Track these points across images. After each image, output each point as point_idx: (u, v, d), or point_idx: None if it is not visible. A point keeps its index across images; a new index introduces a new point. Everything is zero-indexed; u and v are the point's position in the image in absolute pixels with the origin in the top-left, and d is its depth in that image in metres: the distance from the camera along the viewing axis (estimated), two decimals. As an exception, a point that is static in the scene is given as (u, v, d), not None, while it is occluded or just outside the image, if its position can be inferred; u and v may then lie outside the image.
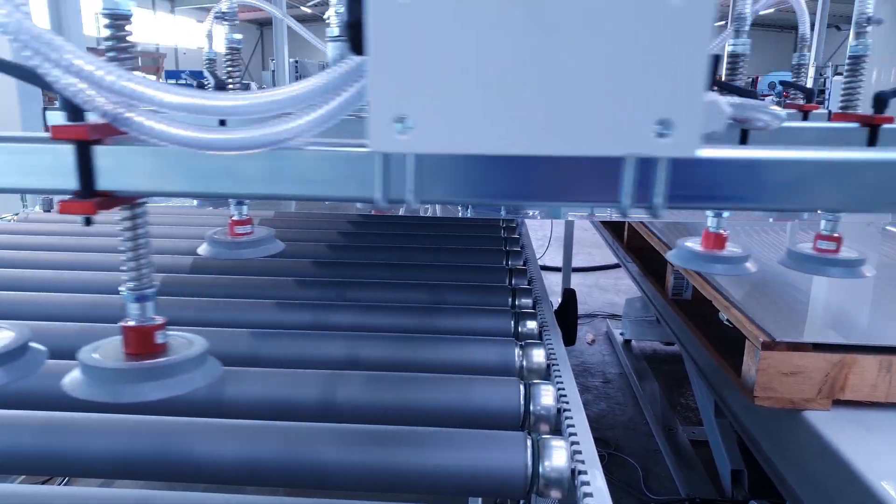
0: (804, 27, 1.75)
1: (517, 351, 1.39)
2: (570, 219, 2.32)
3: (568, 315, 1.97)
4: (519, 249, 2.18)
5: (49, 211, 2.29)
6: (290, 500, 0.92)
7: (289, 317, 1.45)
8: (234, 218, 1.40)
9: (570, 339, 1.99)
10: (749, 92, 1.31)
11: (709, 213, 1.38)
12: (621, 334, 4.42)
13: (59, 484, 1.37)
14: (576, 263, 6.13)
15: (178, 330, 0.89)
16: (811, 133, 1.40)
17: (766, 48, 31.87)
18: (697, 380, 2.30)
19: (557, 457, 0.97)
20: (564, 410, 1.20)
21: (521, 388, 1.21)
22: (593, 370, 4.10)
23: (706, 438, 2.77)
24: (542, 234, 7.13)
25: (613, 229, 3.52)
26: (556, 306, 2.26)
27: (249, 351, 1.27)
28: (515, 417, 1.16)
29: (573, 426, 1.13)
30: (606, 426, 3.46)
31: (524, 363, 1.38)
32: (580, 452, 1.03)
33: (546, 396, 1.19)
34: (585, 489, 0.94)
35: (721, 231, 1.38)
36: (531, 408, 1.19)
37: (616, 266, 5.63)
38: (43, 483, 1.33)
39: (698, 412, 3.36)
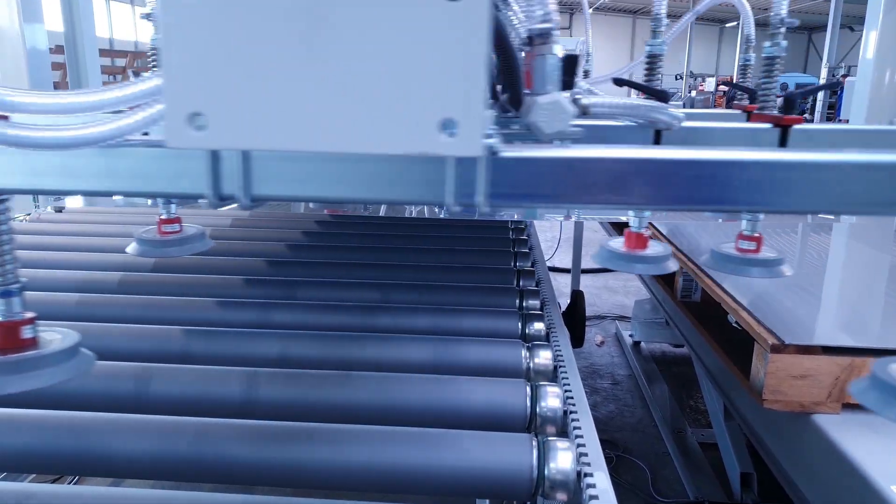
0: (749, 28, 1.76)
1: (524, 352, 1.39)
2: (545, 220, 2.32)
3: (576, 317, 1.96)
4: (527, 251, 2.18)
5: (60, 211, 2.31)
6: (296, 500, 0.92)
7: (297, 317, 1.46)
8: (162, 217, 1.41)
9: (578, 340, 1.98)
10: (659, 92, 1.32)
11: (631, 212, 1.39)
12: (630, 336, 4.40)
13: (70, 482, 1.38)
14: (585, 265, 6.12)
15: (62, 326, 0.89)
16: (721, 134, 1.41)
17: (777, 49, 31.64)
18: (706, 382, 2.29)
19: (563, 459, 0.97)
20: (571, 412, 1.20)
21: (528, 389, 1.21)
22: (602, 372, 4.08)
23: (715, 441, 2.75)
24: (551, 235, 7.11)
25: (622, 231, 3.51)
26: (564, 308, 2.26)
27: (280, 351, 1.28)
28: (522, 419, 1.16)
29: (579, 428, 1.13)
30: (615, 428, 3.44)
31: (531, 364, 1.38)
32: (586, 455, 1.03)
33: (552, 398, 1.19)
34: (591, 492, 0.94)
35: (643, 231, 1.39)
36: (537, 409, 1.19)
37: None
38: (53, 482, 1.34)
39: (707, 414, 3.34)
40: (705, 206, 0.72)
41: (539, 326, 1.56)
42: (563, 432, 1.16)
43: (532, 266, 2.05)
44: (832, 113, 13.58)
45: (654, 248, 1.38)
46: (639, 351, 4.29)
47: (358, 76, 0.56)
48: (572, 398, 1.24)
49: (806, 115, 16.11)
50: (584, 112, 1.14)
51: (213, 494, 0.89)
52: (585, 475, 0.98)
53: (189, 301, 1.48)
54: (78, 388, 1.09)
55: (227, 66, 0.55)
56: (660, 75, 1.37)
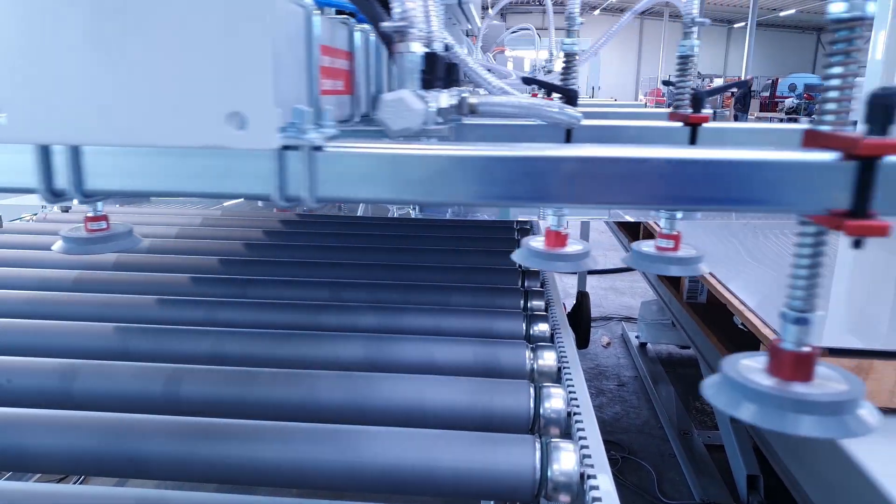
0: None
1: (528, 353, 1.38)
2: (521, 217, 2.33)
3: (581, 318, 1.95)
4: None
5: (67, 211, 2.32)
6: (300, 500, 0.92)
7: (293, 317, 1.46)
8: (88, 214, 1.41)
9: (583, 342, 1.97)
10: (566, 90, 1.31)
11: (549, 211, 1.39)
12: (637, 337, 4.39)
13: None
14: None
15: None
16: (633, 132, 1.42)
17: (786, 49, 31.51)
18: (712, 384, 2.28)
19: (566, 461, 0.97)
20: (575, 414, 1.19)
21: (531, 390, 1.20)
22: (608, 373, 4.07)
23: (722, 443, 2.73)
24: (557, 236, 7.10)
25: (629, 232, 3.50)
26: (569, 309, 2.25)
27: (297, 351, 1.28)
28: (525, 420, 1.16)
29: (583, 430, 1.12)
30: (621, 430, 3.43)
31: (535, 366, 1.37)
32: (589, 457, 1.02)
33: (556, 400, 1.19)
34: (594, 493, 0.93)
35: (561, 229, 1.39)
36: (541, 411, 1.18)
37: (632, 269, 5.60)
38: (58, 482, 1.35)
39: (714, 416, 3.33)
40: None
41: (543, 327, 1.55)
42: (566, 434, 1.15)
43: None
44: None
45: (574, 247, 1.39)
46: (645, 352, 4.28)
47: (145, 70, 0.57)
48: (576, 399, 1.24)
49: (814, 116, 16.00)
50: (472, 111, 1.13)
51: (212, 495, 0.89)
52: (589, 477, 0.97)
53: (133, 299, 1.49)
54: (2, 385, 1.11)
55: (20, 61, 0.56)
56: (574, 75, 1.37)
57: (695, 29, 1.37)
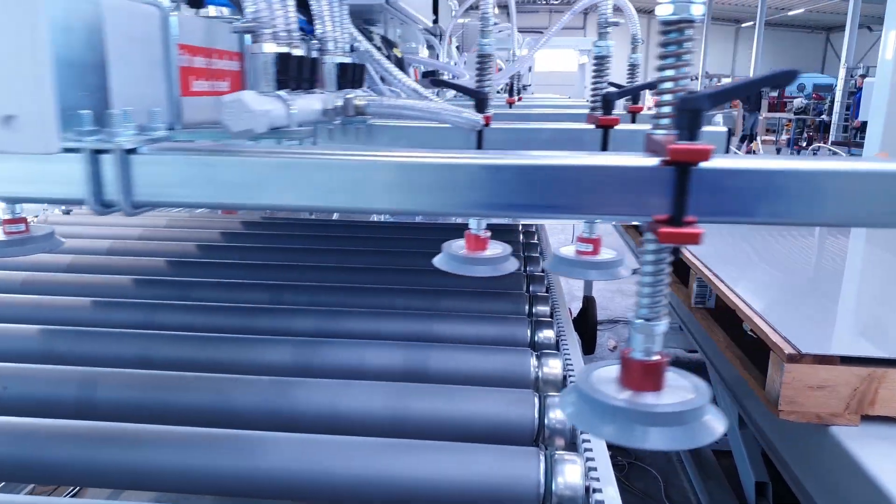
0: (634, 27, 1.76)
1: (533, 361, 1.36)
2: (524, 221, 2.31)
3: (587, 323, 1.93)
4: (537, 255, 2.15)
5: (68, 213, 2.31)
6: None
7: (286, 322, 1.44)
8: (6, 217, 1.39)
9: (589, 347, 1.95)
10: (475, 92, 1.28)
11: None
12: (643, 340, 4.35)
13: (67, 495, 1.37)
14: (598, 267, 6.07)
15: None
16: (546, 135, 1.40)
17: (795, 49, 31.34)
18: (720, 390, 2.25)
19: (571, 473, 0.95)
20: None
21: (536, 400, 1.18)
22: (614, 376, 4.03)
23: (729, 449, 2.70)
24: (563, 237, 7.07)
25: (637, 233, 3.47)
26: (576, 313, 2.23)
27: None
28: (529, 431, 1.13)
29: (589, 440, 1.10)
30: (627, 434, 3.40)
31: (540, 374, 1.35)
32: (595, 469, 1.00)
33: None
34: (600, 507, 0.91)
35: (481, 233, 1.37)
36: (545, 421, 1.16)
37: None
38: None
39: (722, 421, 3.28)
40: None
41: (549, 334, 1.53)
42: (572, 445, 1.13)
43: (542, 272, 2.02)
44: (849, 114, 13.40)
45: (494, 250, 1.36)
46: (652, 355, 4.24)
47: None
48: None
49: (823, 117, 15.92)
50: (360, 112, 1.11)
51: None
52: (594, 490, 0.95)
53: (70, 301, 1.48)
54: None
55: None
56: (489, 75, 1.35)
57: (609, 30, 1.35)
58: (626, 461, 3.13)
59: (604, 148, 1.26)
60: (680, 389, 0.74)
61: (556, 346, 1.49)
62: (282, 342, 1.30)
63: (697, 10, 0.63)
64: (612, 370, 0.77)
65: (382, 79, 1.39)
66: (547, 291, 1.84)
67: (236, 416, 1.07)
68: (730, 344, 1.83)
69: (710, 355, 2.15)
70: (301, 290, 1.61)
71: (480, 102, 1.24)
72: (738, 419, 2.37)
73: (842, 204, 0.65)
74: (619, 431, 0.70)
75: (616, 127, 1.36)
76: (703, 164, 0.64)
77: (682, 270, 2.37)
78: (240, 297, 1.58)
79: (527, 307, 1.69)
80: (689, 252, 2.24)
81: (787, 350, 1.42)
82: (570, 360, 1.42)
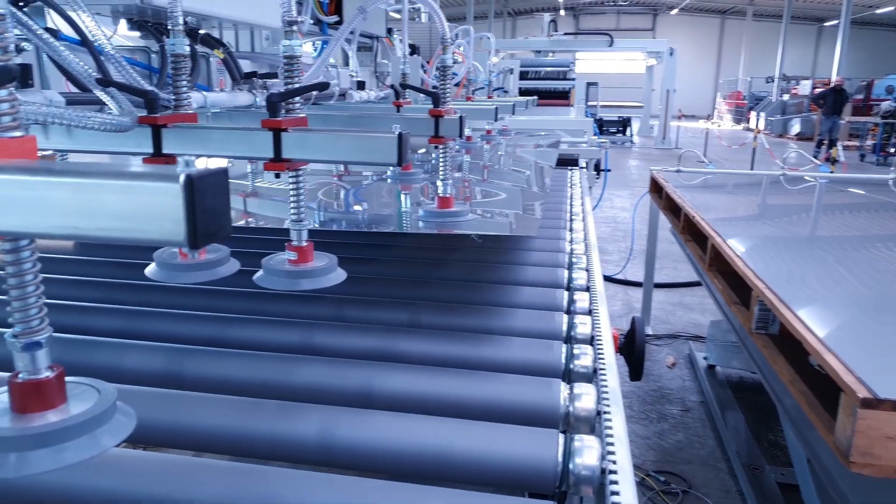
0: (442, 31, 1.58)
1: (563, 391, 1.22)
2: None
3: (634, 346, 1.76)
4: (584, 269, 2.01)
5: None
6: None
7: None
8: None
9: (636, 373, 1.78)
10: (145, 92, 1.09)
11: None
12: (705, 358, 4.10)
13: None
14: (660, 279, 5.80)
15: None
16: (220, 135, 1.18)
17: (882, 49, 29.62)
18: (786, 422, 2.04)
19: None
20: (611, 472, 1.03)
21: (560, 440, 1.05)
22: (672, 397, 3.81)
23: (796, 482, 2.46)
24: (624, 245, 6.82)
25: (699, 244, 3.24)
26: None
27: None
28: (552, 478, 1.00)
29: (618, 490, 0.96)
30: (682, 460, 3.18)
31: (571, 408, 1.21)
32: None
33: (589, 455, 1.03)
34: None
35: (303, 244, 1.21)
36: (570, 467, 1.03)
37: (699, 283, 5.28)
38: None
39: (788, 451, 3.04)
40: None
41: (586, 362, 1.39)
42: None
43: (586, 286, 1.87)
44: None
45: (320, 262, 1.21)
46: (713, 375, 3.99)
47: None
48: (613, 454, 1.07)
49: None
50: None
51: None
52: None
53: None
54: None
55: None
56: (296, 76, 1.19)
57: (295, 28, 1.17)
58: (679, 489, 2.92)
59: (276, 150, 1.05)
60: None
61: (594, 374, 1.36)
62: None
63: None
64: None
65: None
66: (590, 313, 1.70)
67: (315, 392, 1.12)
68: (794, 378, 1.63)
69: (773, 385, 1.94)
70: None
71: (150, 103, 1.09)
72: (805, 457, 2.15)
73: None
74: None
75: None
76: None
77: (744, 290, 2.16)
78: (368, 316, 1.50)
79: (564, 327, 1.56)
80: (751, 271, 2.03)
81: (862, 393, 1.23)
82: (606, 390, 1.27)
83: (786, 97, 23.17)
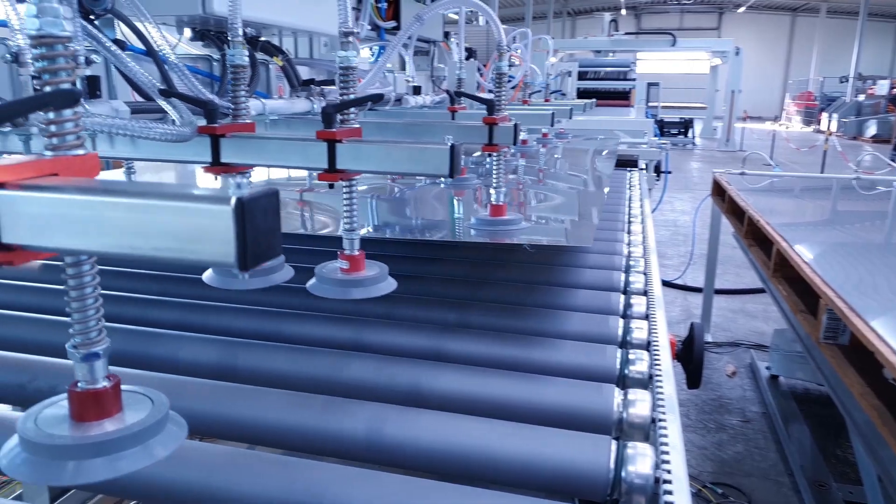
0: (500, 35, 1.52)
1: (617, 397, 1.19)
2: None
3: (693, 353, 1.71)
4: (641, 272, 1.96)
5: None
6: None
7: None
8: None
9: (694, 381, 1.73)
10: (204, 102, 1.04)
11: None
12: (767, 368, 3.94)
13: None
14: (722, 284, 5.63)
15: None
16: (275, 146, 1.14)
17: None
18: (856, 438, 1.94)
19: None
20: (665, 481, 0.99)
21: (613, 446, 1.02)
22: (731, 406, 3.68)
23: (866, 501, 2.34)
24: (684, 249, 6.64)
25: (763, 249, 3.12)
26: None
27: None
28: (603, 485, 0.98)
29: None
30: (742, 472, 3.07)
31: (624, 415, 1.18)
32: None
33: (643, 463, 1.00)
34: None
35: (355, 252, 1.18)
36: (622, 475, 1.00)
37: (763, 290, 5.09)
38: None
39: (857, 468, 2.89)
40: None
41: (641, 368, 1.35)
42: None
43: (643, 290, 1.83)
44: None
45: (371, 271, 1.18)
46: (776, 386, 3.83)
47: None
48: (668, 463, 1.03)
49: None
50: None
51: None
52: None
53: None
54: None
55: None
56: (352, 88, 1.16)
57: (351, 38, 1.16)
58: (739, 503, 2.82)
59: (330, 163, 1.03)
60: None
61: (650, 380, 1.32)
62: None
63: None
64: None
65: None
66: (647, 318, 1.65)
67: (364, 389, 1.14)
68: (865, 391, 1.54)
69: (842, 398, 1.84)
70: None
71: (209, 113, 1.08)
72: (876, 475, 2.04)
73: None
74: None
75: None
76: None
77: (811, 298, 2.06)
78: (419, 314, 1.51)
79: (620, 332, 1.52)
80: (819, 278, 1.94)
81: (941, 411, 1.15)
82: (661, 397, 1.23)
83: (861, 97, 22.14)
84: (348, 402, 1.05)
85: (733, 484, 2.96)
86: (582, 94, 12.37)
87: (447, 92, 2.42)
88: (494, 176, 1.61)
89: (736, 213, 3.67)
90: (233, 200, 0.48)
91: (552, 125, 2.46)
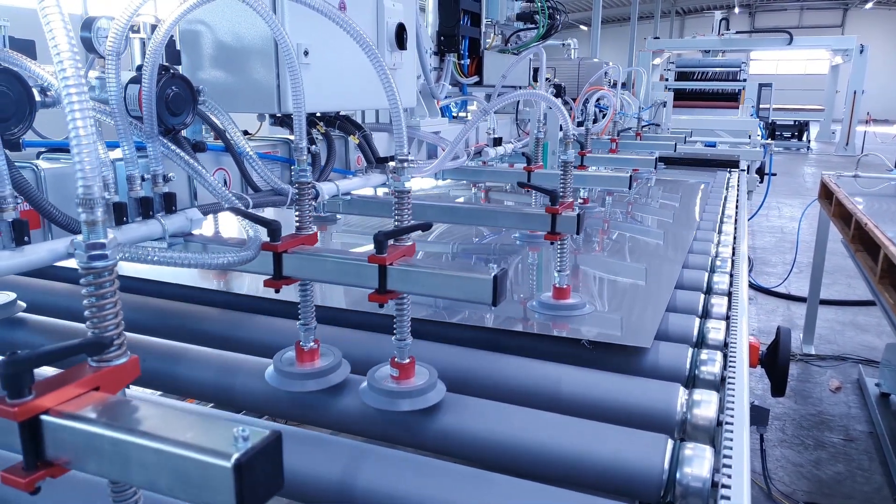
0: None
1: (682, 396, 1.14)
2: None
3: (778, 358, 1.61)
4: (727, 272, 1.88)
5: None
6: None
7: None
8: None
9: (778, 388, 1.63)
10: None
11: None
12: (877, 385, 3.64)
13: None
14: (831, 295, 5.26)
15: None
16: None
17: None
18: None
19: None
20: (724, 486, 0.94)
21: (669, 445, 0.98)
22: (833, 423, 3.42)
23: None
24: (790, 257, 6.25)
25: (870, 256, 2.88)
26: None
27: None
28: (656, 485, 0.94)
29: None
30: (842, 494, 2.85)
31: (688, 416, 1.13)
32: None
33: (699, 465, 0.95)
34: None
35: (405, 360, 1.16)
36: (677, 476, 0.96)
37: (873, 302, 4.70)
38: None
39: (976, 501, 2.63)
40: None
41: (713, 369, 1.29)
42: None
43: (727, 290, 1.74)
44: None
45: (420, 379, 1.15)
46: (887, 404, 3.53)
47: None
48: (729, 468, 0.98)
49: None
50: None
51: None
52: None
53: None
54: None
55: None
56: None
57: (405, 164, 1.13)
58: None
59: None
60: None
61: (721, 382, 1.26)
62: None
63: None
64: None
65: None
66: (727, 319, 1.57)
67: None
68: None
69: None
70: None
71: (273, 233, 1.12)
72: None
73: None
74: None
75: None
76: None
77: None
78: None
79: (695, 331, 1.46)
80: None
81: None
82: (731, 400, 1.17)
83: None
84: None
85: (831, 507, 2.76)
86: (686, 95, 11.85)
87: (524, 154, 2.43)
88: (559, 260, 1.57)
89: (844, 216, 3.42)
90: (233, 458, 0.52)
91: (629, 189, 2.38)
